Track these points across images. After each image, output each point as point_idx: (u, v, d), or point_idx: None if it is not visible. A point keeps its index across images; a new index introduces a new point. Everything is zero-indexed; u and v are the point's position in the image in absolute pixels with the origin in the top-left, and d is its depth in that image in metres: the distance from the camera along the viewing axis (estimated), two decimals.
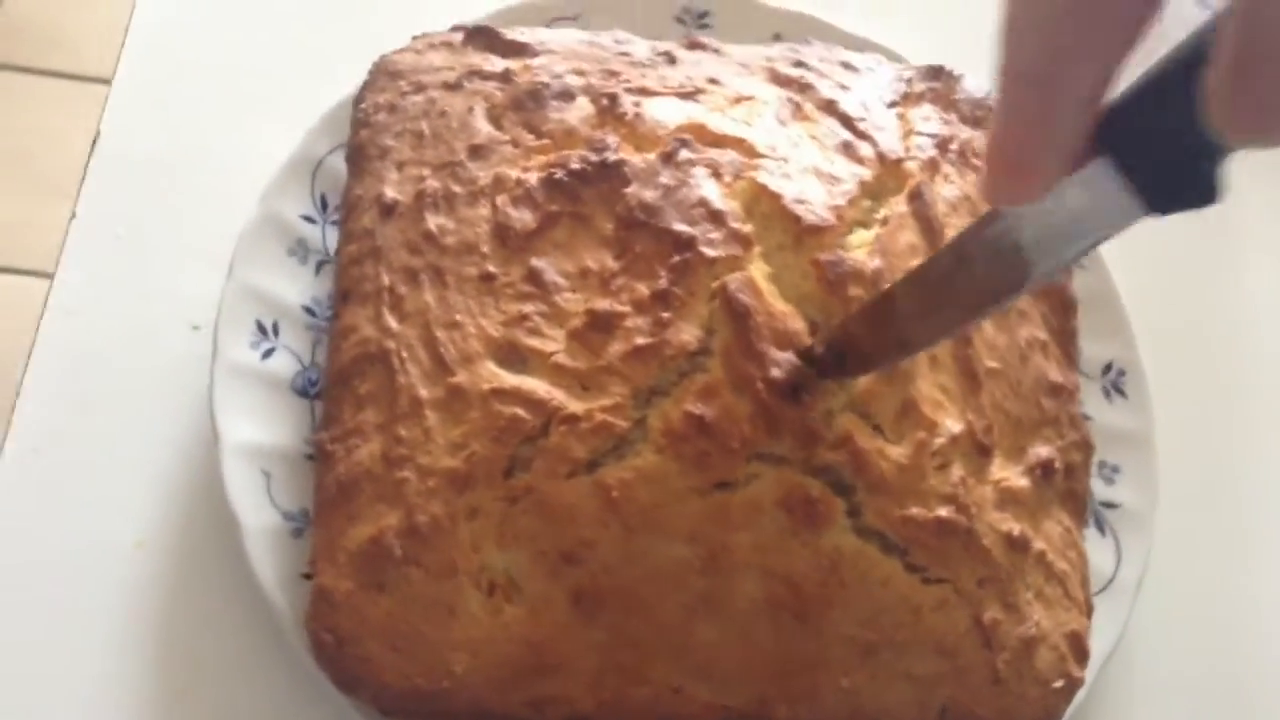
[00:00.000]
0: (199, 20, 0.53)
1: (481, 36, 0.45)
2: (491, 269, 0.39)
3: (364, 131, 0.43)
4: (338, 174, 0.45)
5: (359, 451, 0.37)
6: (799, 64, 0.45)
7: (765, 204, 0.39)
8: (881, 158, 0.42)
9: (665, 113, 0.42)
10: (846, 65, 0.46)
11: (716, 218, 0.38)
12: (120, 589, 0.41)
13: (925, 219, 0.41)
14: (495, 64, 0.44)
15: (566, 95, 0.42)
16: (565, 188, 0.39)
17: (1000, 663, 0.39)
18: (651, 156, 0.40)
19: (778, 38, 0.50)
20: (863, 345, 0.36)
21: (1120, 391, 0.48)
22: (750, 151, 0.41)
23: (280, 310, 0.43)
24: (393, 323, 0.39)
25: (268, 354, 0.42)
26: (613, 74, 0.43)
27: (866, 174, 0.41)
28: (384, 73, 0.45)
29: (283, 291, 0.44)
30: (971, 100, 0.46)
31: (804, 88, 0.44)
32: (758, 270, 0.38)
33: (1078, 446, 0.43)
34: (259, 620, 0.40)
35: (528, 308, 0.38)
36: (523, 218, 0.39)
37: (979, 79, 0.47)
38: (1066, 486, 0.42)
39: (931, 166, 0.43)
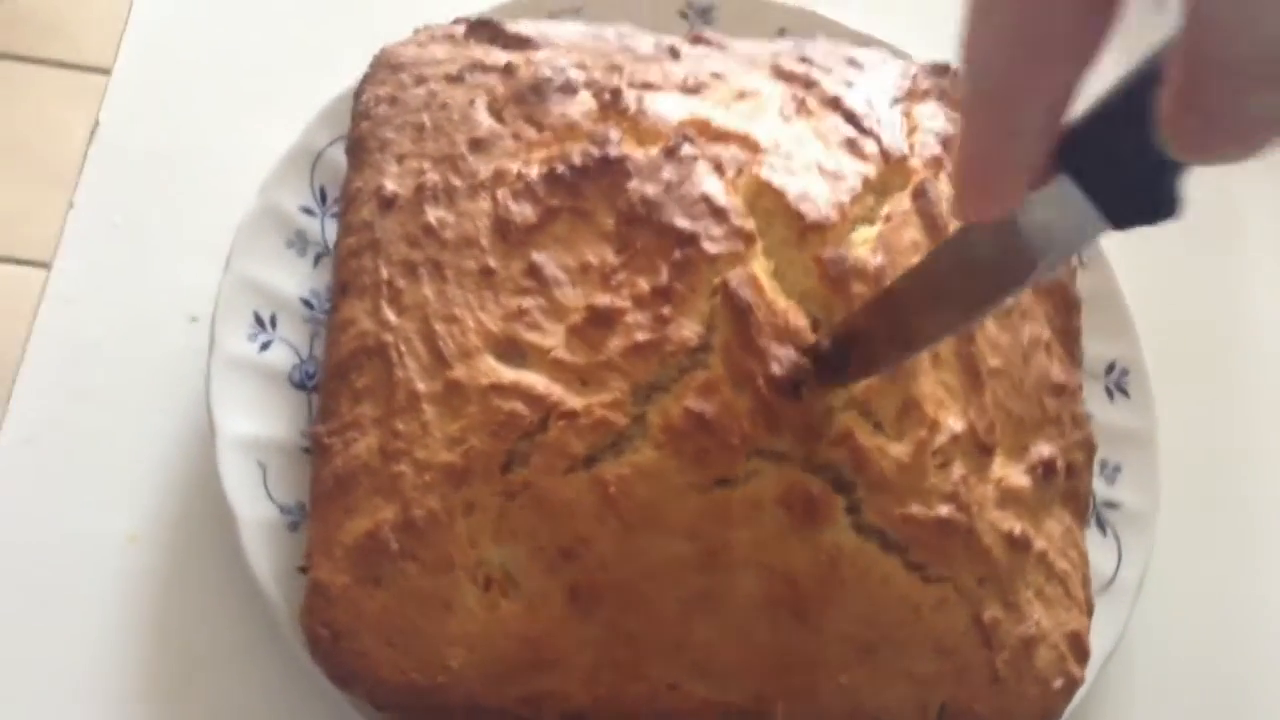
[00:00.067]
0: (200, 11, 0.53)
1: (484, 29, 0.45)
2: (491, 263, 0.38)
3: (364, 124, 0.43)
4: (337, 166, 0.44)
5: (356, 445, 0.37)
6: (803, 60, 0.45)
7: (768, 200, 0.39)
8: (886, 154, 0.42)
9: (668, 107, 0.41)
10: (851, 61, 0.46)
11: (719, 214, 0.38)
12: (114, 580, 0.41)
13: (929, 216, 0.41)
14: (497, 57, 0.44)
15: (569, 89, 0.42)
16: (566, 182, 0.39)
17: (1000, 662, 0.38)
18: (654, 151, 0.40)
19: (782, 33, 0.50)
20: (867, 340, 0.35)
21: (1123, 391, 0.48)
22: (753, 147, 0.40)
23: (278, 302, 0.43)
24: (391, 316, 0.38)
25: (265, 346, 0.42)
26: (616, 68, 0.43)
27: (870, 171, 0.41)
28: (385, 65, 0.44)
29: (281, 284, 0.43)
30: None
31: (808, 84, 0.44)
32: (760, 267, 0.38)
33: (1080, 446, 0.43)
34: (254, 614, 0.40)
35: (527, 302, 0.37)
36: (523, 212, 0.39)
37: None
38: (1068, 486, 0.42)
39: (936, 164, 0.42)
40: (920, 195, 0.41)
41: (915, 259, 0.39)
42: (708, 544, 0.36)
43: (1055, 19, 0.23)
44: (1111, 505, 0.46)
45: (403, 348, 0.38)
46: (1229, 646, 0.48)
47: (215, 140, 0.49)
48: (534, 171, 0.39)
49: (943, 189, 0.42)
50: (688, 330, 0.36)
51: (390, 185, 0.41)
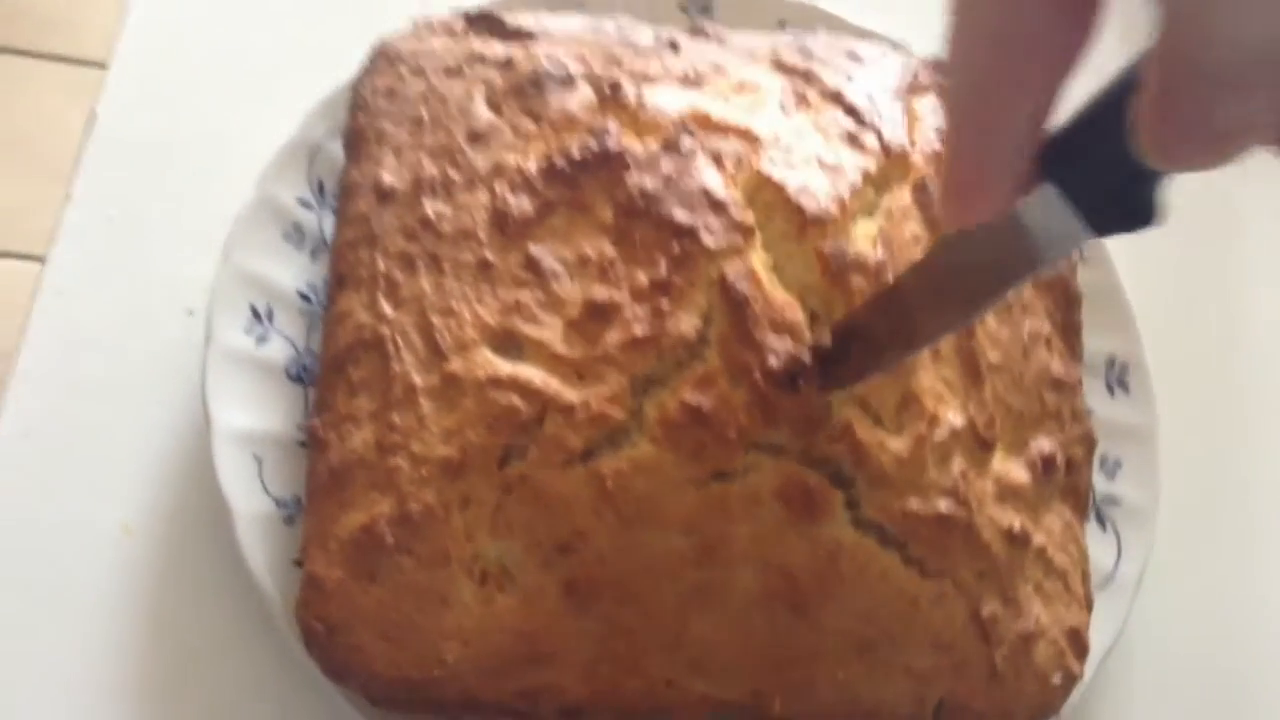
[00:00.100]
0: (198, 3, 0.53)
1: (483, 22, 0.45)
2: (489, 256, 0.38)
3: (362, 116, 0.43)
4: (335, 159, 0.44)
5: (352, 438, 0.37)
6: (804, 53, 0.45)
7: (768, 194, 0.39)
8: (886, 148, 0.41)
9: (667, 100, 0.41)
10: (852, 55, 0.46)
11: (718, 207, 0.38)
12: (109, 573, 0.41)
13: (930, 210, 0.40)
14: (496, 50, 0.44)
15: (568, 82, 0.42)
16: (565, 175, 0.39)
17: (998, 657, 0.38)
18: (653, 144, 0.39)
19: (782, 26, 0.50)
20: (869, 337, 0.35)
21: (1123, 386, 0.48)
22: (753, 140, 0.40)
23: (275, 295, 0.43)
24: (388, 309, 0.38)
25: (262, 339, 0.42)
26: (615, 61, 0.43)
27: (871, 165, 0.41)
28: (384, 57, 0.44)
29: (278, 276, 0.43)
30: None
31: (809, 77, 0.44)
32: (759, 260, 0.37)
33: (1080, 441, 0.43)
34: (249, 607, 0.40)
35: (525, 296, 0.37)
36: (521, 205, 0.39)
37: None
38: (1068, 481, 0.42)
39: (937, 158, 0.42)
40: (921, 189, 0.41)
41: (916, 253, 0.39)
42: (705, 539, 0.36)
43: (1034, 26, 0.23)
44: (1111, 500, 0.46)
45: (399, 341, 0.38)
46: (1229, 642, 0.48)
47: (212, 133, 0.49)
48: (532, 164, 0.39)
49: None
50: (685, 324, 0.36)
51: (388, 178, 0.41)
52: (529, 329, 0.37)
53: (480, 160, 0.40)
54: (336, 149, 0.44)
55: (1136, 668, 0.46)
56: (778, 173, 0.39)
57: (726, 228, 0.37)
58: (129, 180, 0.48)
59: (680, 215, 0.38)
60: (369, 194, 0.41)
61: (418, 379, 0.37)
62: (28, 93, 0.54)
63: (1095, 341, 0.47)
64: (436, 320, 0.37)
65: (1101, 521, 0.45)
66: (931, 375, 0.38)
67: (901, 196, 0.40)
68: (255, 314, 0.42)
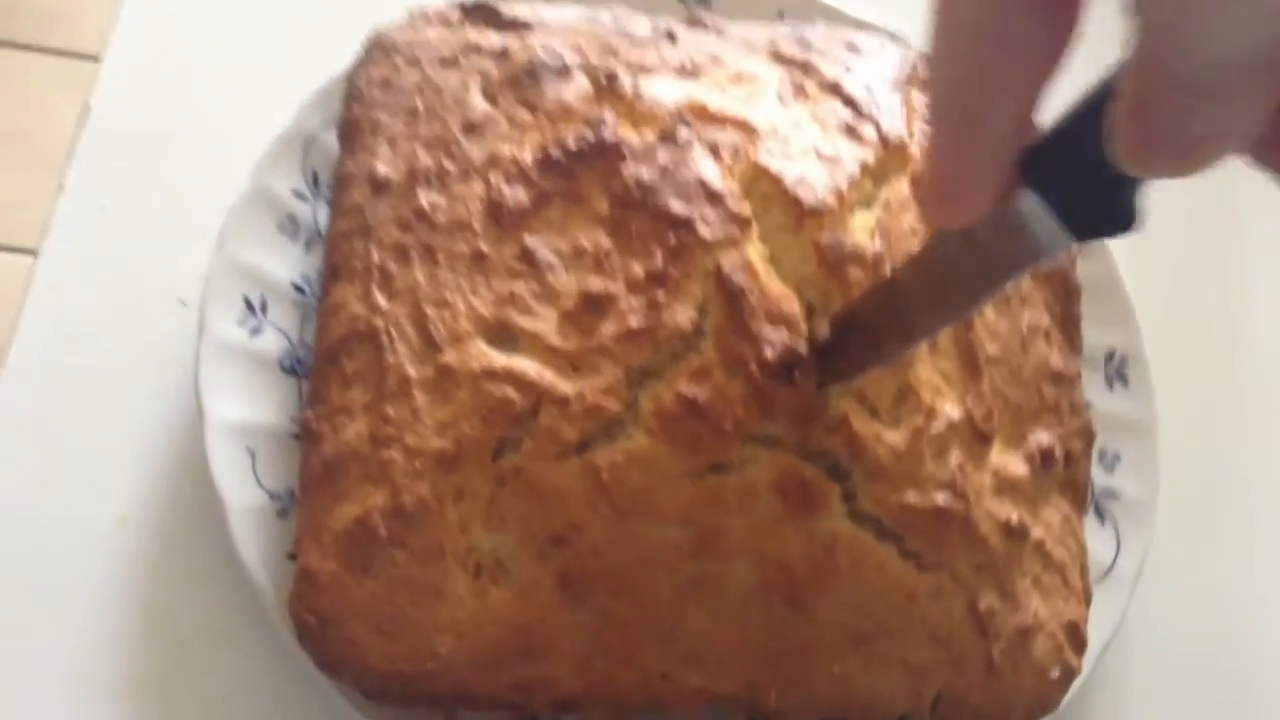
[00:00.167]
0: None
1: (479, 12, 0.45)
2: (483, 247, 0.38)
3: (356, 106, 0.42)
4: (330, 150, 0.44)
5: (346, 431, 0.37)
6: (802, 44, 0.45)
7: (765, 185, 0.38)
8: (884, 140, 0.41)
9: (664, 91, 0.41)
10: (850, 46, 0.46)
11: (714, 198, 0.38)
12: (102, 566, 0.41)
13: None
14: (492, 40, 0.43)
15: (564, 72, 0.41)
16: (560, 166, 0.39)
17: (996, 651, 0.38)
18: (649, 135, 0.39)
19: (780, 17, 0.49)
20: (867, 329, 0.35)
21: (1122, 380, 0.48)
22: (750, 131, 0.40)
23: (269, 287, 0.43)
24: (382, 300, 0.38)
25: (256, 331, 0.42)
26: (611, 51, 0.43)
27: (869, 156, 0.40)
28: (379, 47, 0.44)
29: (272, 268, 0.43)
30: None
31: (806, 68, 0.43)
32: (755, 252, 0.37)
33: (1078, 434, 0.43)
34: (242, 600, 0.40)
35: (519, 287, 0.37)
36: (516, 195, 0.38)
37: None
38: (1066, 474, 0.42)
39: None
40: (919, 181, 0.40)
41: (914, 245, 0.38)
42: (701, 531, 0.35)
43: (1015, 30, 0.23)
44: (1110, 494, 0.46)
45: (393, 332, 0.37)
46: (1227, 636, 0.48)
47: (207, 123, 0.49)
48: (527, 155, 0.39)
49: None
50: (681, 316, 0.36)
51: (382, 168, 0.40)
52: (524, 321, 0.37)
53: (475, 151, 0.40)
54: (331, 140, 0.44)
55: (1135, 662, 0.46)
56: (775, 164, 0.38)
57: (723, 219, 0.37)
58: (122, 171, 0.48)
59: (676, 206, 0.37)
60: (364, 185, 0.40)
61: (412, 371, 0.37)
62: (21, 86, 0.53)
63: (1094, 335, 0.46)
64: (431, 312, 0.37)
65: (1100, 515, 0.45)
66: (929, 368, 0.38)
67: (900, 188, 0.40)
68: (249, 306, 0.42)
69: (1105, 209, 0.25)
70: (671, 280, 0.36)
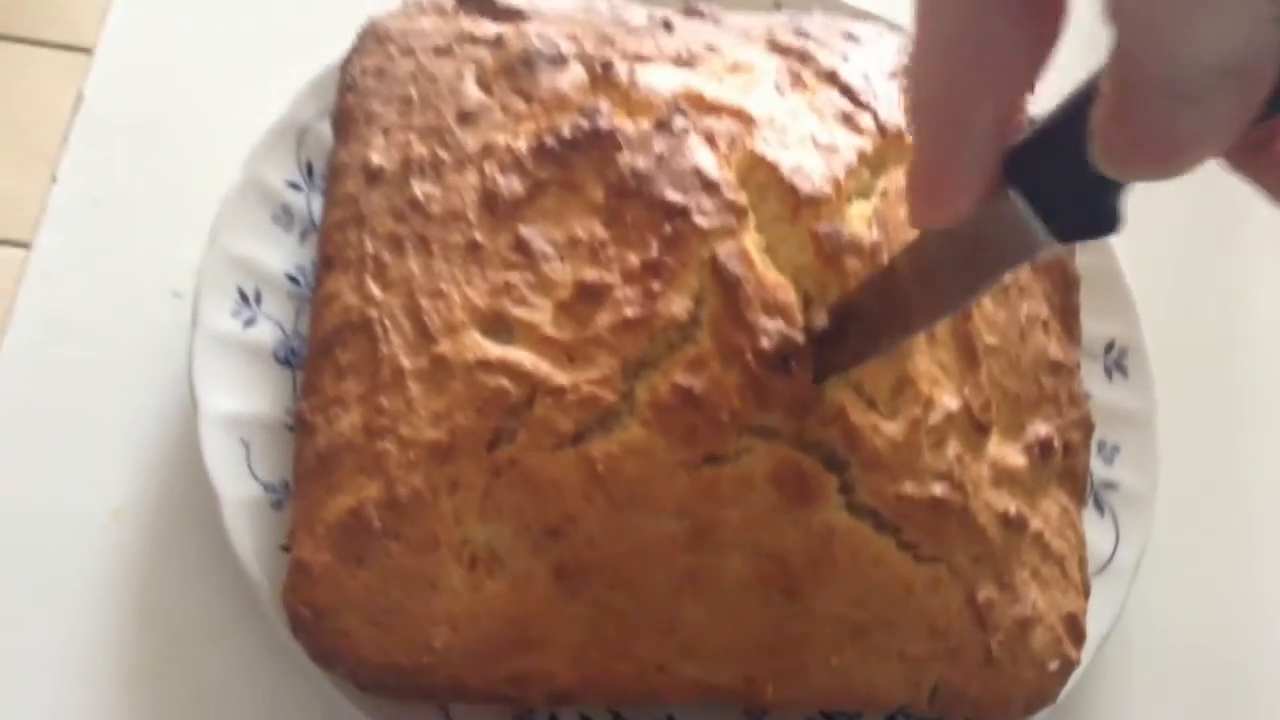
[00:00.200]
0: None
1: (473, 1, 0.44)
2: (478, 237, 0.38)
3: (350, 96, 0.42)
4: (324, 140, 0.44)
5: (340, 422, 0.37)
6: (799, 33, 0.44)
7: (761, 174, 0.38)
8: (882, 129, 0.41)
9: (660, 80, 0.40)
10: (848, 35, 0.45)
11: (710, 187, 0.37)
12: (96, 558, 0.41)
13: None
14: (487, 29, 0.43)
15: (559, 61, 0.41)
16: (555, 155, 0.38)
17: (994, 643, 0.38)
18: (645, 124, 0.39)
19: (778, 6, 0.49)
20: (865, 319, 0.35)
21: (1122, 371, 0.47)
22: (747, 120, 0.39)
23: (263, 278, 0.42)
24: (376, 291, 0.38)
25: (250, 322, 0.42)
26: (607, 40, 0.42)
27: (866, 145, 0.40)
28: (373, 36, 0.43)
29: (266, 259, 0.43)
30: None
31: (804, 57, 0.43)
32: (751, 241, 0.37)
33: (1077, 425, 0.42)
34: (237, 592, 0.39)
35: (514, 277, 0.37)
36: (511, 185, 0.38)
37: None
38: (1065, 465, 0.42)
39: None
40: None
41: (912, 235, 0.38)
42: (697, 523, 0.35)
43: (996, 32, 0.23)
44: (1109, 485, 0.45)
45: (388, 323, 0.37)
46: (1227, 628, 0.47)
47: (200, 114, 0.48)
48: (522, 144, 0.39)
49: None
50: (677, 306, 0.36)
51: (376, 158, 0.40)
52: (518, 311, 0.36)
53: (470, 140, 0.39)
54: (326, 130, 0.44)
55: (1134, 654, 0.46)
56: (771, 153, 0.38)
57: (719, 208, 0.37)
58: (116, 162, 0.47)
59: (672, 195, 0.37)
60: (357, 175, 0.40)
61: (406, 362, 0.36)
62: (15, 79, 0.53)
63: (1094, 325, 0.46)
64: (425, 302, 0.37)
65: (1099, 507, 0.45)
66: (927, 358, 0.38)
67: (897, 177, 0.40)
68: (243, 297, 0.42)
69: (1088, 211, 0.25)
70: (667, 270, 0.36)
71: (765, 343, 0.35)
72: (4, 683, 0.39)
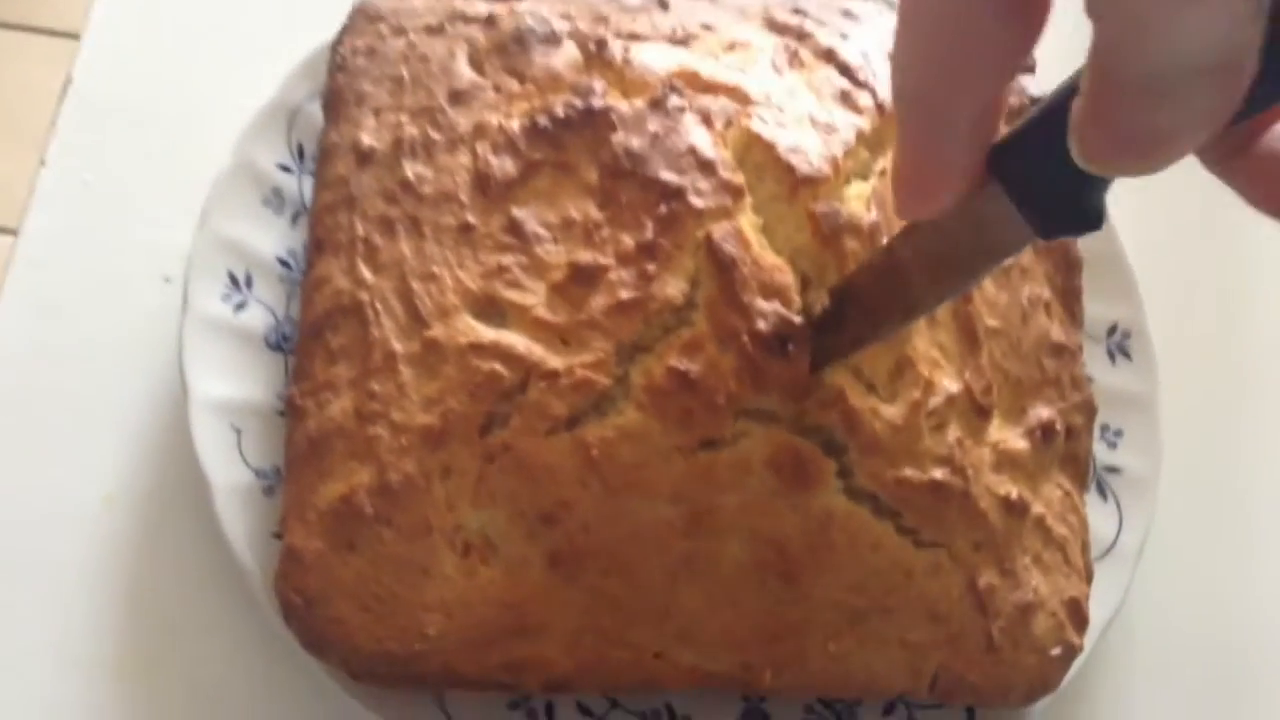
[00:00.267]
0: None
1: None
2: (470, 219, 0.37)
3: (341, 76, 0.41)
4: (316, 122, 0.43)
5: (331, 407, 0.36)
6: (797, 11, 0.44)
7: (758, 153, 0.37)
8: (881, 108, 0.40)
9: (655, 59, 0.40)
10: (846, 14, 0.45)
11: (706, 167, 0.37)
12: (87, 544, 0.40)
13: None
14: (479, 7, 0.42)
15: (552, 40, 0.40)
16: (549, 135, 0.38)
17: (995, 629, 0.37)
18: (639, 103, 0.38)
19: None
20: (865, 301, 0.34)
21: (1125, 354, 0.47)
22: (743, 99, 0.39)
23: (254, 262, 0.42)
24: (367, 274, 0.37)
25: (240, 307, 0.41)
26: (601, 19, 0.42)
27: (865, 124, 0.39)
28: (363, 16, 0.43)
29: (257, 243, 0.42)
30: None
31: (802, 35, 0.42)
32: (748, 221, 0.36)
33: (1079, 408, 0.42)
34: (228, 579, 0.39)
35: (507, 259, 0.36)
36: (504, 166, 0.38)
37: None
38: (1067, 449, 0.41)
39: None
40: None
41: None
42: (693, 508, 0.35)
43: (977, 30, 0.23)
44: (1112, 470, 0.45)
45: (379, 306, 0.37)
46: (1231, 613, 0.47)
47: (190, 96, 0.48)
48: (515, 124, 0.38)
49: None
50: (672, 288, 0.35)
51: (367, 139, 0.39)
52: (511, 294, 0.36)
53: (462, 120, 0.39)
54: (317, 111, 0.43)
55: (1138, 639, 0.45)
56: (768, 132, 0.38)
57: (715, 188, 0.36)
58: (105, 146, 0.47)
59: (667, 175, 0.36)
60: (348, 156, 0.40)
61: (398, 345, 0.36)
62: (3, 64, 0.53)
63: (1097, 308, 0.46)
64: (417, 285, 0.36)
65: (1102, 491, 0.44)
66: (927, 341, 0.37)
67: None
68: (233, 281, 0.41)
69: (1070, 207, 0.25)
70: (662, 251, 0.35)
71: (762, 325, 0.34)
72: None
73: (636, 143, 0.37)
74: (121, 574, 0.40)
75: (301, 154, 0.44)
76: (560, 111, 0.38)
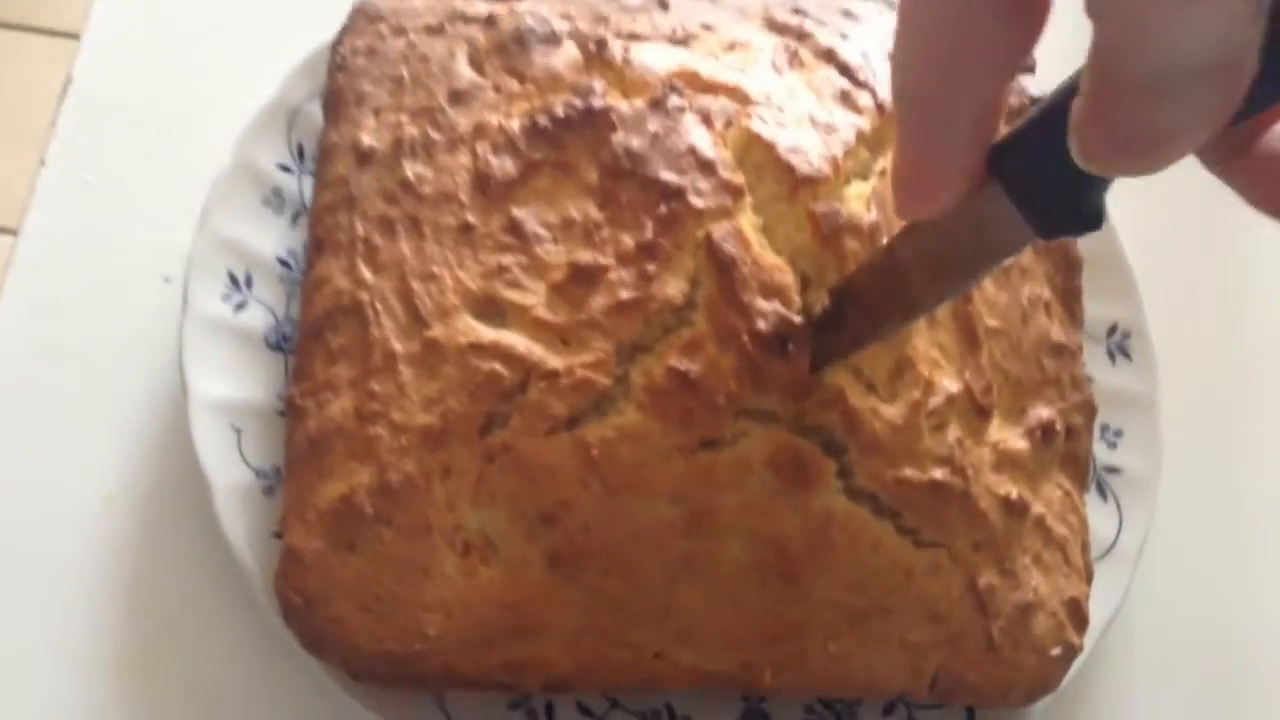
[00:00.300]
0: None
1: None
2: (470, 219, 0.37)
3: (341, 76, 0.41)
4: (316, 122, 0.43)
5: (331, 407, 0.36)
6: (797, 11, 0.44)
7: (758, 153, 0.37)
8: (881, 108, 0.40)
9: (655, 59, 0.40)
10: (846, 14, 0.45)
11: (706, 167, 0.37)
12: (87, 544, 0.40)
13: None
14: (479, 7, 0.42)
15: (552, 40, 0.40)
16: (549, 135, 0.38)
17: (995, 629, 0.37)
18: (639, 103, 0.38)
19: None
20: (866, 301, 0.34)
21: (1125, 354, 0.47)
22: (743, 99, 0.39)
23: (254, 262, 0.42)
24: (367, 274, 0.37)
25: (240, 307, 0.41)
26: (601, 19, 0.42)
27: (865, 124, 0.39)
28: (364, 15, 0.43)
29: (257, 242, 0.42)
30: None
31: (801, 35, 0.42)
32: (748, 221, 0.36)
33: (1079, 408, 0.42)
34: (228, 579, 0.39)
35: (507, 259, 0.36)
36: (504, 166, 0.38)
37: None
38: (1067, 449, 0.41)
39: None
40: None
41: None
42: (693, 508, 0.35)
43: (976, 30, 0.23)
44: (1112, 470, 0.45)
45: (379, 306, 0.37)
46: (1231, 613, 0.47)
47: (190, 96, 0.48)
48: (515, 124, 0.38)
49: None
50: (672, 288, 0.35)
51: (367, 139, 0.39)
52: (511, 294, 0.36)
53: (462, 120, 0.39)
54: (317, 111, 0.43)
55: (1138, 639, 0.45)
56: (768, 132, 0.38)
57: (715, 188, 0.36)
58: (105, 146, 0.47)
59: (667, 175, 0.36)
60: (348, 156, 0.40)
61: (398, 345, 0.36)
62: (3, 64, 0.53)
63: (1097, 308, 0.46)
64: (417, 285, 0.36)
65: (1102, 491, 0.44)
66: (927, 341, 0.37)
67: None
68: (233, 281, 0.41)
69: (1070, 207, 0.25)
70: (662, 251, 0.35)
71: (762, 325, 0.34)
72: None
73: (636, 143, 0.37)
74: (121, 574, 0.40)
75: (301, 154, 0.44)
76: (560, 111, 0.38)
